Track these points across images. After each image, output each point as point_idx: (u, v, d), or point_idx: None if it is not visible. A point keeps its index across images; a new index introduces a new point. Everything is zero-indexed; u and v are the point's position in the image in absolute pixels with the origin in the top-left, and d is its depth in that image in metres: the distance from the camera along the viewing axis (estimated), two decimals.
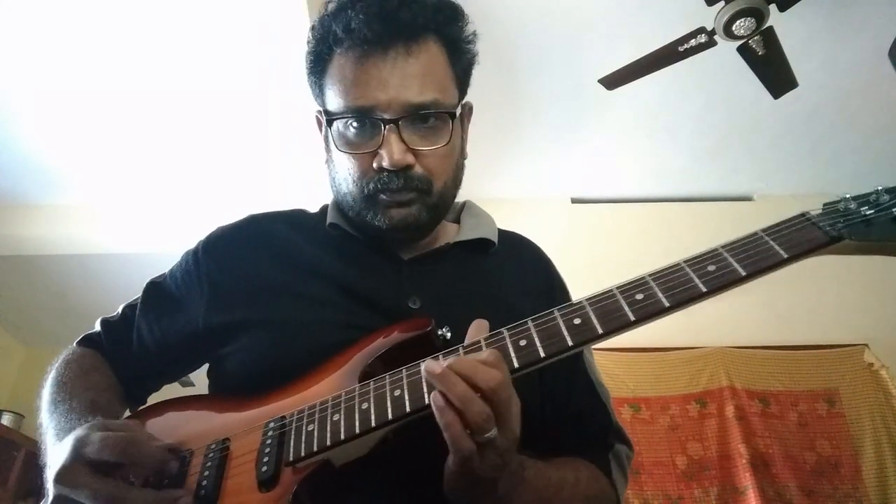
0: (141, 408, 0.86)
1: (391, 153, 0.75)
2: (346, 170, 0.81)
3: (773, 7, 2.39)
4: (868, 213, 0.55)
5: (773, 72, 2.65)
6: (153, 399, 0.92)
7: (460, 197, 0.93)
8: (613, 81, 2.69)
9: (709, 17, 2.45)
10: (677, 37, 2.52)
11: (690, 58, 2.58)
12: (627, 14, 2.67)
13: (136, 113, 3.01)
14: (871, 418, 2.92)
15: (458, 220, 0.95)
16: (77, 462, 0.63)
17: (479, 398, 0.55)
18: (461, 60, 0.83)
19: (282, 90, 2.71)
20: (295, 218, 0.94)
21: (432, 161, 0.79)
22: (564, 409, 0.80)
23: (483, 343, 0.61)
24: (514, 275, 0.87)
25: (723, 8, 2.41)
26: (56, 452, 0.67)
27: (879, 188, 0.57)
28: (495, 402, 0.55)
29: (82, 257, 3.54)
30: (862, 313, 3.27)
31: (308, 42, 0.83)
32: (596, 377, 0.86)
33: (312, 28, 0.82)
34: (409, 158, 0.77)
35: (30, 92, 2.88)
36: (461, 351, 0.62)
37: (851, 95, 3.14)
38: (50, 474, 0.65)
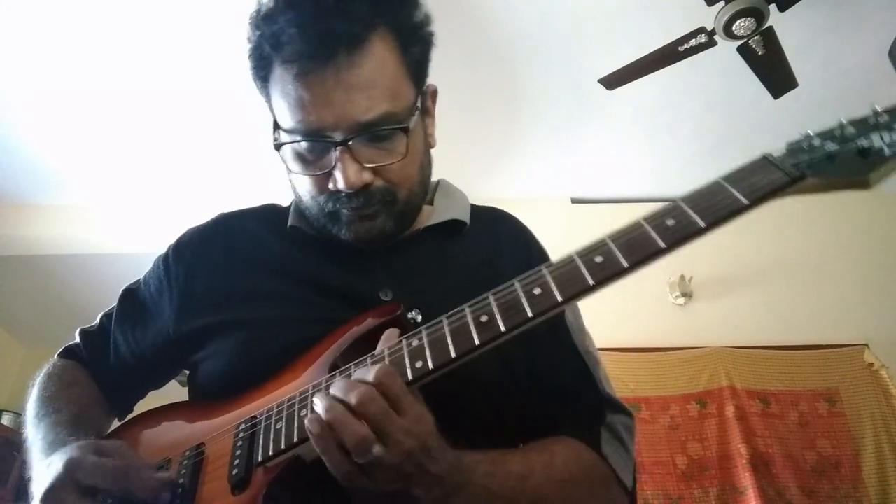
0: (126, 420, 0.86)
1: (346, 176, 0.71)
2: (303, 186, 0.78)
3: (773, 7, 2.39)
4: (832, 148, 0.52)
5: (773, 72, 2.65)
6: (149, 400, 0.92)
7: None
8: (613, 81, 2.68)
9: (709, 17, 2.45)
10: (677, 37, 2.51)
11: (690, 58, 2.58)
12: (627, 14, 2.66)
13: (135, 113, 3.01)
14: (871, 418, 2.91)
15: (432, 201, 0.92)
16: (65, 483, 0.63)
17: (352, 419, 0.54)
18: (413, 50, 0.76)
19: None
20: (265, 215, 0.92)
21: (392, 173, 0.75)
22: (550, 385, 0.77)
23: (445, 322, 0.60)
24: (489, 252, 0.85)
25: (723, 8, 2.40)
26: (44, 469, 0.66)
27: (843, 120, 0.54)
28: (368, 419, 0.53)
29: (82, 257, 3.54)
30: (862, 313, 3.27)
31: (247, 41, 0.76)
32: (584, 346, 0.83)
33: (248, 27, 0.76)
34: (367, 177, 0.72)
35: (30, 92, 2.88)
36: (424, 330, 0.61)
37: (851, 95, 3.14)
38: (36, 491, 0.65)
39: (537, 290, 0.57)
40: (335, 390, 0.56)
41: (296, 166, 0.76)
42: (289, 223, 0.85)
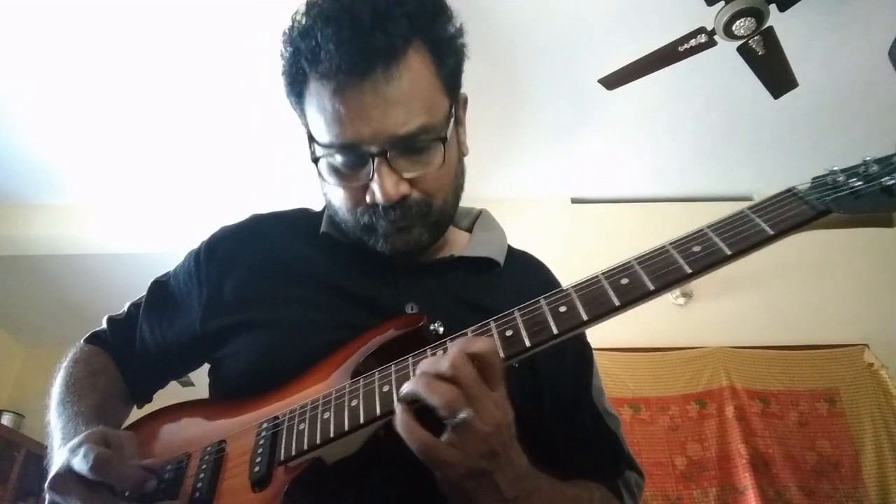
0: (143, 416, 0.86)
1: (384, 189, 0.71)
2: (339, 199, 0.78)
3: (773, 7, 2.39)
4: (857, 184, 0.53)
5: (773, 72, 2.65)
6: (157, 397, 0.92)
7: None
8: (613, 81, 2.69)
9: (709, 17, 2.45)
10: (677, 37, 2.52)
11: (690, 58, 2.58)
12: (627, 14, 2.67)
13: (135, 113, 3.01)
14: (871, 418, 2.92)
15: (471, 228, 0.93)
16: (70, 470, 0.63)
17: (442, 382, 0.55)
18: (448, 61, 0.77)
19: (280, 89, 2.71)
20: (297, 219, 0.93)
21: (428, 183, 0.75)
22: (572, 440, 0.79)
23: (469, 334, 0.61)
24: (515, 293, 0.84)
25: (723, 8, 2.41)
26: (56, 457, 0.68)
27: (868, 158, 0.55)
28: (461, 385, 0.55)
29: (82, 257, 3.54)
30: (862, 313, 3.27)
31: (281, 57, 0.77)
32: (603, 406, 0.85)
33: (282, 44, 0.76)
34: (404, 188, 0.73)
35: (30, 92, 2.88)
36: (448, 342, 0.62)
37: (851, 95, 3.14)
38: (48, 478, 0.66)
39: (563, 308, 0.59)
40: (425, 366, 0.58)
41: (332, 179, 0.76)
42: (321, 230, 0.86)
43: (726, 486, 2.78)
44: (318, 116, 0.73)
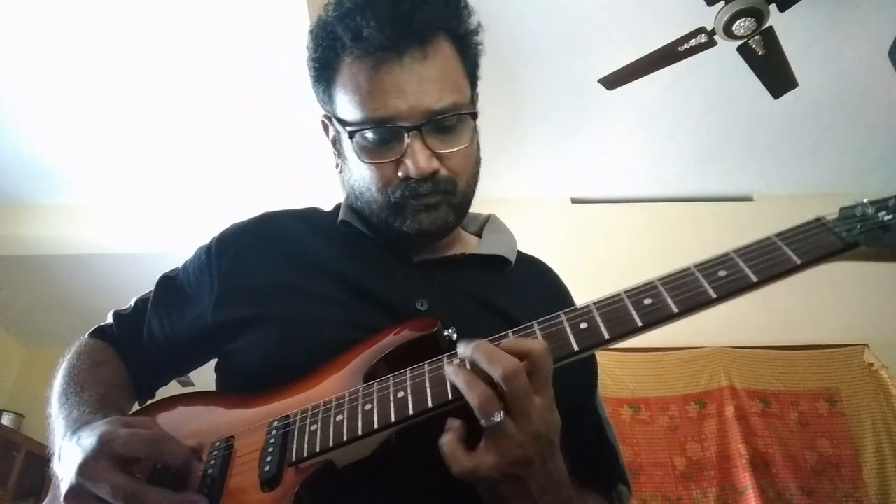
0: (149, 403, 0.86)
1: (417, 162, 0.74)
2: (367, 179, 0.80)
3: (773, 7, 2.39)
4: (886, 218, 0.53)
5: (773, 72, 2.65)
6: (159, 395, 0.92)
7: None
8: (613, 81, 2.69)
9: (709, 17, 2.46)
10: (677, 37, 2.52)
11: (690, 58, 2.58)
12: (627, 14, 2.67)
13: (136, 113, 3.01)
14: (871, 418, 2.92)
15: (480, 233, 0.94)
16: (102, 456, 0.62)
17: (482, 382, 0.55)
18: (470, 55, 0.82)
19: (281, 90, 2.71)
20: (308, 216, 0.94)
21: (455, 162, 0.79)
22: (572, 447, 0.78)
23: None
24: (525, 295, 0.86)
25: (723, 8, 2.41)
26: (73, 445, 0.66)
27: None
28: (504, 390, 0.54)
29: (82, 257, 3.54)
30: (862, 313, 3.27)
31: (309, 48, 0.80)
32: (604, 417, 0.86)
33: (312, 33, 0.80)
34: (435, 164, 0.76)
35: (30, 92, 2.88)
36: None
37: (851, 95, 3.14)
38: (69, 465, 0.64)
39: (583, 325, 0.58)
40: (478, 356, 0.57)
41: (364, 157, 0.78)
42: (340, 218, 0.88)
43: (726, 486, 2.78)
44: (353, 95, 0.76)
